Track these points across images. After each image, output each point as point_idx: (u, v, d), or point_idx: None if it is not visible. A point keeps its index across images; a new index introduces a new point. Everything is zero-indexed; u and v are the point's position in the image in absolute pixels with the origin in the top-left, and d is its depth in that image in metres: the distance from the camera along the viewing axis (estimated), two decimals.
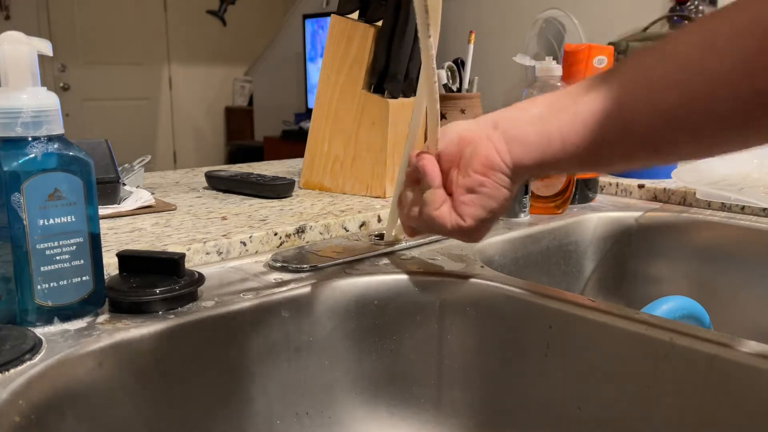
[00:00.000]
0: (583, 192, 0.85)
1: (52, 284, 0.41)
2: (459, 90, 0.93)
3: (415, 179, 0.51)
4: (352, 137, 0.80)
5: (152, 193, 0.76)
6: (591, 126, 0.42)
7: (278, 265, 0.56)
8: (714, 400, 0.41)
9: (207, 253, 0.57)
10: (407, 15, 0.76)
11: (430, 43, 0.44)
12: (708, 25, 0.39)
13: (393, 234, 0.62)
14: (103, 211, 0.65)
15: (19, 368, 0.37)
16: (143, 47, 4.59)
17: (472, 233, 0.49)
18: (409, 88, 0.82)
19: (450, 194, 0.49)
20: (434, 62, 0.46)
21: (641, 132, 0.41)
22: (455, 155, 0.48)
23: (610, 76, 0.43)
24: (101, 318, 0.44)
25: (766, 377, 0.39)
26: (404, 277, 0.55)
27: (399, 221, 0.59)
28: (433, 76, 0.47)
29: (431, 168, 0.48)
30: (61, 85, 4.26)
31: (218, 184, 0.84)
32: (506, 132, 0.46)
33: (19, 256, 0.40)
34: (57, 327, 0.42)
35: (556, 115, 0.45)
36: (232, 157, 4.88)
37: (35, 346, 0.39)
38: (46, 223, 0.40)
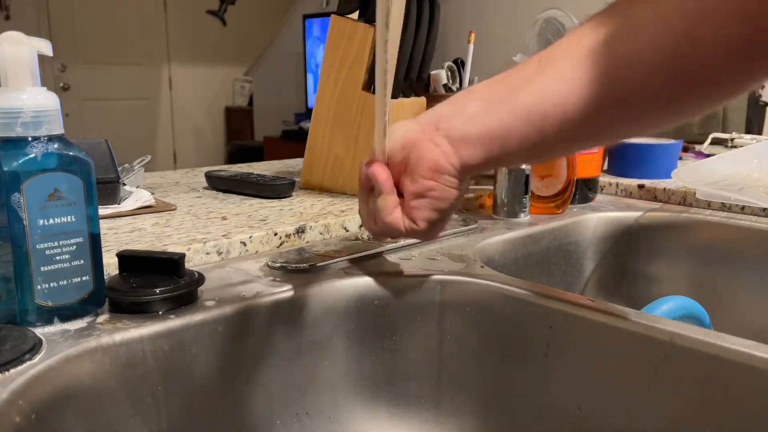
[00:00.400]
0: (583, 192, 0.85)
1: (52, 284, 0.41)
2: (459, 90, 0.93)
3: (368, 187, 0.50)
4: (352, 137, 0.80)
5: (152, 193, 0.76)
6: (535, 119, 0.41)
7: (278, 265, 0.56)
8: (714, 400, 0.41)
9: (207, 253, 0.57)
10: (407, 15, 0.76)
11: (387, 48, 0.42)
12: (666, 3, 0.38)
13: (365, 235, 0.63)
14: (103, 211, 0.65)
15: (19, 368, 0.37)
16: (143, 47, 4.59)
17: (427, 234, 0.50)
18: (409, 88, 0.82)
19: (401, 198, 0.49)
20: (392, 73, 0.45)
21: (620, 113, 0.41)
22: (401, 159, 0.48)
23: (561, 58, 0.42)
24: (101, 318, 0.44)
25: (766, 377, 0.39)
26: (404, 277, 0.55)
27: None
28: (387, 86, 0.46)
29: (382, 175, 0.48)
30: (61, 85, 4.25)
31: (218, 184, 0.84)
32: (448, 134, 0.45)
33: (19, 256, 0.40)
34: (57, 327, 0.42)
35: (493, 111, 0.44)
36: (232, 157, 4.88)
37: (35, 346, 0.39)
38: (46, 223, 0.40)
